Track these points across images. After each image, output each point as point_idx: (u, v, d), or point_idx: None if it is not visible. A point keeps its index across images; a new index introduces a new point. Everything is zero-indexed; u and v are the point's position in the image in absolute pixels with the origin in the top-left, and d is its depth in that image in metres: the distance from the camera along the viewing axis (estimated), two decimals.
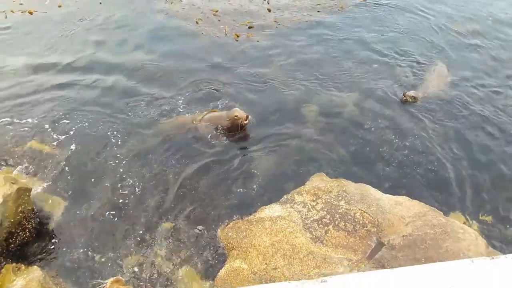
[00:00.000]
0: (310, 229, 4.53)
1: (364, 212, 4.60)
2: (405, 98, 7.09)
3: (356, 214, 4.60)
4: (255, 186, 5.51)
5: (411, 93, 7.14)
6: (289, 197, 5.04)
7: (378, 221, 4.48)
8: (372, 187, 4.99)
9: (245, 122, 6.15)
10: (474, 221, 5.25)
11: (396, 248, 4.19)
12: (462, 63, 8.45)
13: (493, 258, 1.99)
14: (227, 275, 4.19)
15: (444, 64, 8.18)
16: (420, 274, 1.98)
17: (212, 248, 4.78)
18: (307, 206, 4.83)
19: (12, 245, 4.58)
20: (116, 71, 7.70)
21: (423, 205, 4.63)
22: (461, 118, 6.93)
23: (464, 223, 5.14)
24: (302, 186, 5.17)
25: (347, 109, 6.99)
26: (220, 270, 4.35)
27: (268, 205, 4.98)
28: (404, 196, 4.79)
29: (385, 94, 7.40)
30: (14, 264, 4.34)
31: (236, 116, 6.11)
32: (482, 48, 9.00)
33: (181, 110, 6.80)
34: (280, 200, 5.03)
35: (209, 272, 4.59)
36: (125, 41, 8.71)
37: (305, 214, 4.72)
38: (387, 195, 4.84)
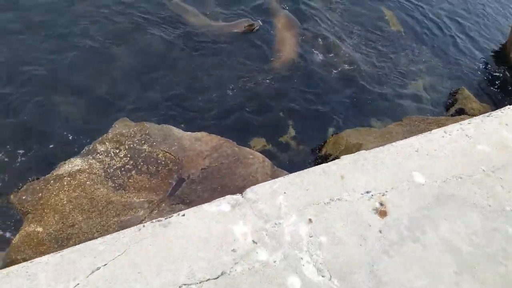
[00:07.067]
0: (113, 177, 4.43)
1: (167, 152, 4.69)
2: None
3: (159, 156, 4.65)
4: (51, 144, 5.06)
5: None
6: (90, 148, 4.79)
7: (179, 159, 4.64)
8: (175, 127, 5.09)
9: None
10: (271, 144, 5.93)
11: (196, 182, 4.45)
12: None
13: None
14: (21, 242, 3.89)
15: None
16: None
17: (4, 218, 4.34)
18: (110, 155, 4.67)
19: None
20: None
21: (219, 138, 4.93)
22: None
23: (265, 146, 5.79)
24: (105, 135, 4.96)
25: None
26: (14, 238, 4.01)
27: (67, 160, 4.66)
28: (203, 132, 5.02)
29: None
30: None
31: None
32: None
33: None
34: (81, 152, 4.75)
35: (3, 245, 4.21)
36: None
37: (108, 163, 4.58)
38: (188, 132, 5.00)
